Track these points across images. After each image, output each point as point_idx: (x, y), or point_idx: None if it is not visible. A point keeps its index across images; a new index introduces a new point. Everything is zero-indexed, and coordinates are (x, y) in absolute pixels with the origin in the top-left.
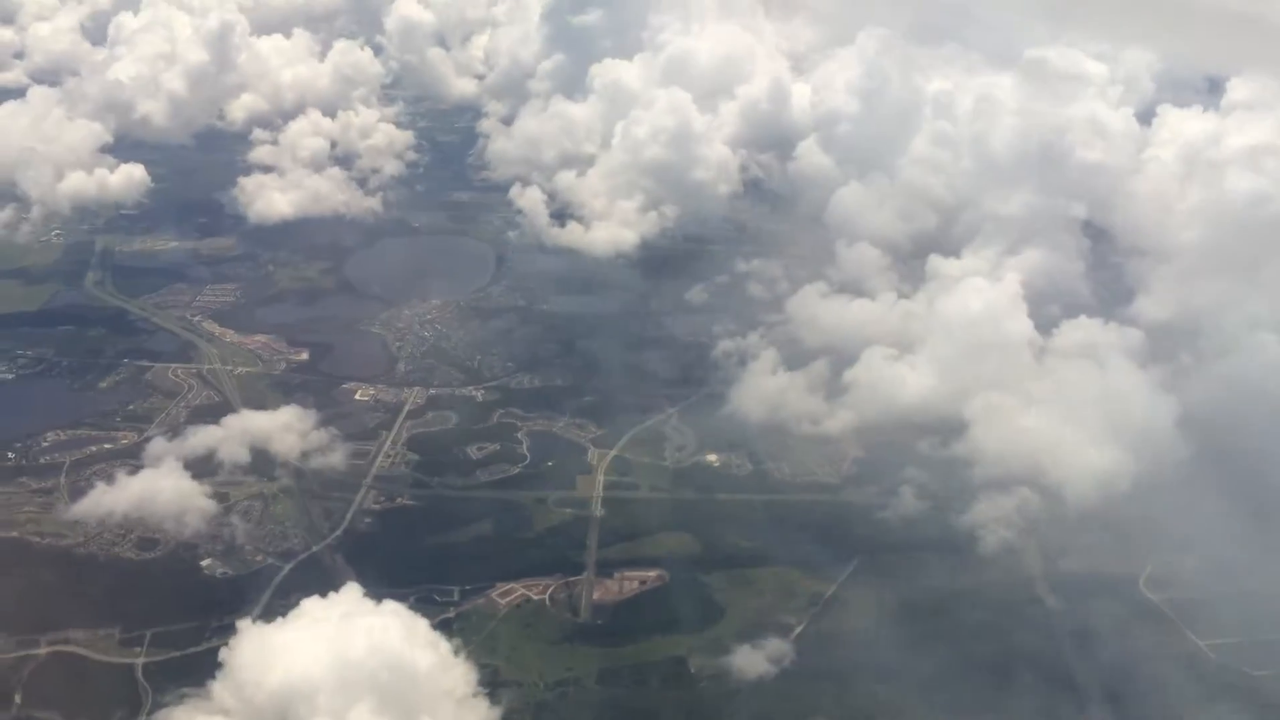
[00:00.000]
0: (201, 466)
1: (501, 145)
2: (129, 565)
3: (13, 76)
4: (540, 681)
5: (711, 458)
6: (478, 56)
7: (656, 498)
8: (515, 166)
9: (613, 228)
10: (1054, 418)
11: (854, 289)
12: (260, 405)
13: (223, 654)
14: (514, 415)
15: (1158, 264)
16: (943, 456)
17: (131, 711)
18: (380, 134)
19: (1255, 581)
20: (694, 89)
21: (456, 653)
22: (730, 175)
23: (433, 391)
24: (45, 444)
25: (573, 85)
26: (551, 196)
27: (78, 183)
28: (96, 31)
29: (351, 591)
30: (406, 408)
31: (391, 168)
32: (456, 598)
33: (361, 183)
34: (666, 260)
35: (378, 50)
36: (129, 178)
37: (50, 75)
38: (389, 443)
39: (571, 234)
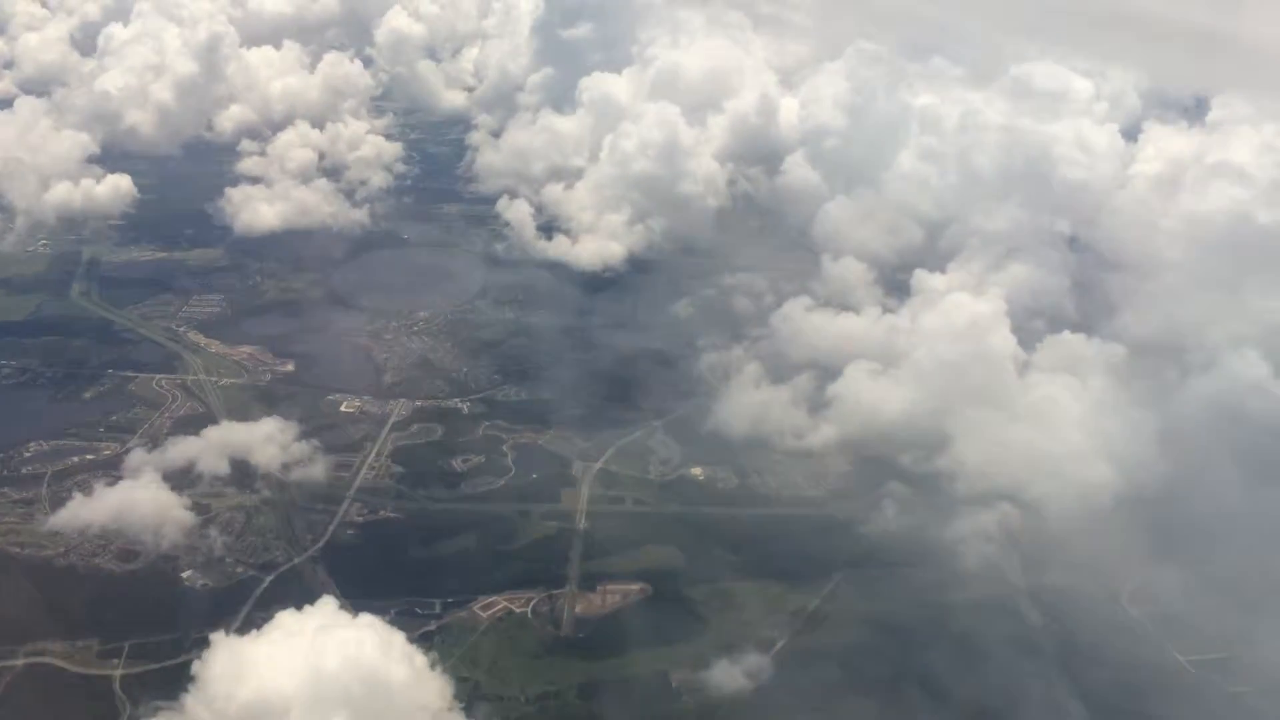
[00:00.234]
0: (181, 478)
1: (490, 158)
2: (109, 576)
3: (1, 86)
4: (521, 695)
5: (696, 471)
6: (468, 69)
7: (641, 511)
8: (504, 179)
9: (600, 241)
10: (1036, 433)
11: (839, 303)
12: (245, 417)
13: (195, 667)
14: (500, 428)
15: (1141, 280)
16: (926, 471)
17: None
18: (369, 146)
19: (1236, 597)
20: (682, 103)
21: (434, 666)
22: (718, 189)
23: (419, 403)
24: (27, 454)
25: (562, 98)
26: (539, 209)
27: (64, 193)
28: (86, 42)
29: (326, 604)
30: (392, 420)
31: (380, 179)
32: (438, 610)
33: (349, 194)
34: (653, 273)
35: (368, 62)
36: (115, 188)
37: (39, 85)
38: (374, 454)
39: (559, 247)
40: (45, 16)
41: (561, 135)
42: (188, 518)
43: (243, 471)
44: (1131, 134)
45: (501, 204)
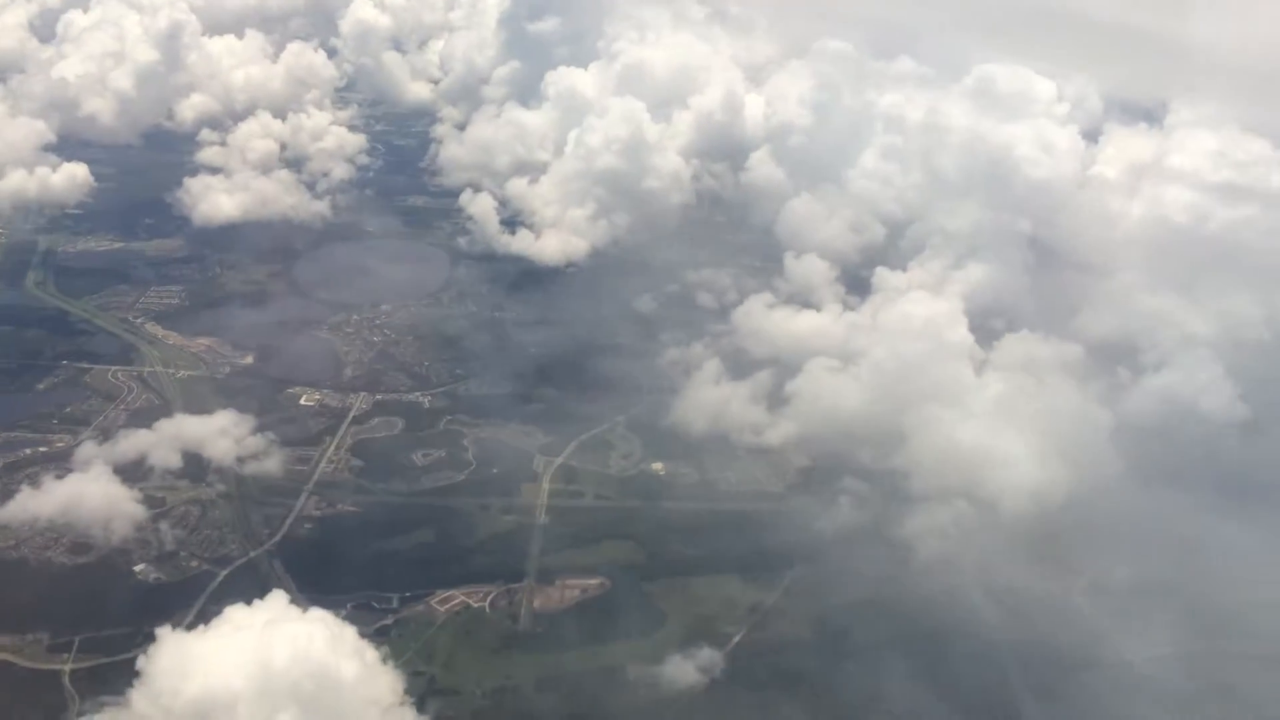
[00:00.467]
0: (133, 471)
1: (454, 151)
2: (60, 570)
3: None
4: (477, 689)
5: (657, 466)
6: (433, 61)
7: (601, 505)
8: (468, 172)
9: (563, 235)
10: (992, 431)
11: (801, 300)
12: (202, 409)
13: (140, 662)
14: (460, 422)
15: (1099, 280)
16: (883, 468)
17: (54, 719)
18: (332, 137)
19: (1188, 594)
20: (648, 98)
21: (385, 660)
22: (682, 185)
23: (379, 397)
24: None
25: (527, 92)
26: (503, 203)
27: (19, 181)
28: (45, 29)
29: (277, 599)
30: (352, 413)
31: (342, 171)
32: (395, 604)
33: (311, 186)
34: (616, 269)
35: (332, 53)
36: (72, 177)
37: None
38: (333, 448)
39: (522, 241)
40: (3, 3)
41: (526, 129)
42: (139, 511)
43: (197, 465)
44: (1093, 135)
45: (465, 198)
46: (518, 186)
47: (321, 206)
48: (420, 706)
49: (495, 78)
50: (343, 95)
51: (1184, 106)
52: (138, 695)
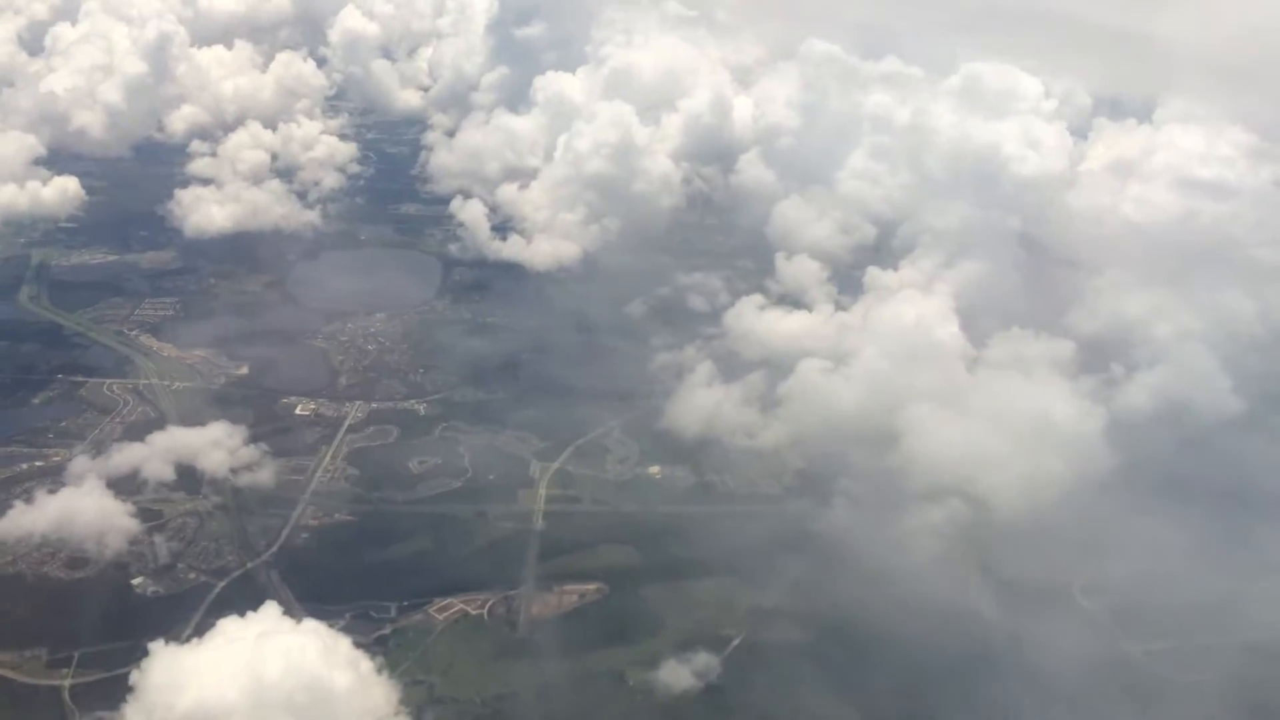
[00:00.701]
0: (128, 484)
1: (445, 158)
2: (57, 585)
3: None
4: (476, 697)
5: (654, 470)
6: (423, 69)
7: (598, 510)
8: (458, 179)
9: (555, 240)
10: (985, 428)
11: (793, 301)
12: (198, 421)
13: (134, 676)
14: (456, 429)
15: (1090, 276)
16: (878, 467)
17: None
18: (323, 146)
19: (1186, 588)
20: (637, 102)
21: (381, 670)
22: (672, 188)
23: (374, 405)
24: None
25: (516, 98)
26: (494, 209)
27: (10, 196)
28: (33, 42)
29: (270, 610)
30: (347, 422)
31: (333, 180)
32: (393, 614)
33: (303, 195)
34: (608, 273)
35: (321, 62)
36: (63, 191)
37: None
38: (329, 457)
39: (513, 247)
40: None
41: (516, 135)
42: (131, 524)
43: (193, 476)
44: (1082, 132)
45: (456, 204)
46: (508, 192)
47: (313, 216)
48: (419, 715)
49: (484, 84)
50: (333, 104)
51: (1172, 101)
52: (131, 710)
